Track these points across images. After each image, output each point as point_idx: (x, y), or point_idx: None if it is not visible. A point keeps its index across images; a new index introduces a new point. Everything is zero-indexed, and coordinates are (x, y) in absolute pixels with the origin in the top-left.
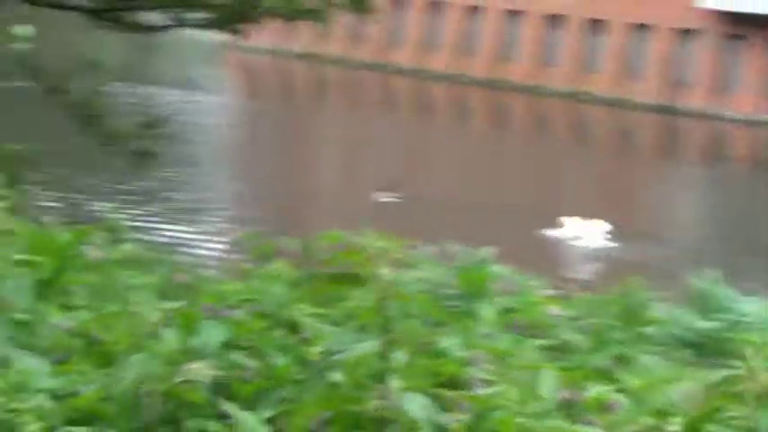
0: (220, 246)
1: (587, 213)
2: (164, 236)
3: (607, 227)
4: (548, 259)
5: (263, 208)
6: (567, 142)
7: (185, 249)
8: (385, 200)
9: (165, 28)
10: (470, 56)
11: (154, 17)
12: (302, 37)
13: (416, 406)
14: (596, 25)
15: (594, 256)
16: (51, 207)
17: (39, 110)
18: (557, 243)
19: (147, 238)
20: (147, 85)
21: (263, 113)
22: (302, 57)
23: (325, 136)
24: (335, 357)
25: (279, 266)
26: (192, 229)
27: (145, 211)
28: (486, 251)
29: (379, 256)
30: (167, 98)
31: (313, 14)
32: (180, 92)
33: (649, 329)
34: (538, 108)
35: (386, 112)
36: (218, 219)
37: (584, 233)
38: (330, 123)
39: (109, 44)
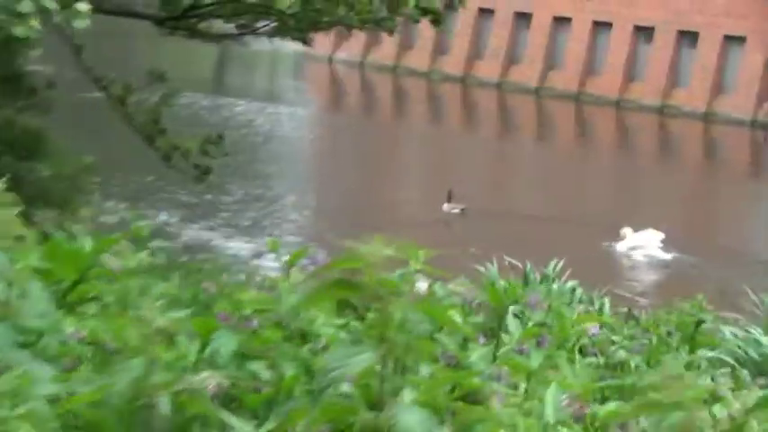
0: (274, 259)
1: (659, 226)
2: (221, 249)
3: (661, 236)
4: (607, 272)
5: (333, 221)
6: (649, 157)
7: (242, 263)
8: (454, 211)
9: (233, 36)
10: (556, 69)
11: (222, 26)
12: (386, 49)
13: (414, 419)
14: (685, 38)
15: (656, 268)
16: (110, 219)
17: (110, 120)
18: (619, 255)
19: (206, 252)
20: (229, 96)
21: (342, 125)
22: (385, 69)
23: (404, 148)
24: (338, 370)
25: (299, 275)
26: (250, 244)
27: (203, 225)
28: (552, 265)
29: (384, 265)
30: (247, 109)
31: (382, 23)
32: (262, 103)
33: (709, 348)
34: (623, 122)
35: (467, 125)
36: (283, 232)
37: (646, 244)
38: (410, 136)
39: (190, 55)
